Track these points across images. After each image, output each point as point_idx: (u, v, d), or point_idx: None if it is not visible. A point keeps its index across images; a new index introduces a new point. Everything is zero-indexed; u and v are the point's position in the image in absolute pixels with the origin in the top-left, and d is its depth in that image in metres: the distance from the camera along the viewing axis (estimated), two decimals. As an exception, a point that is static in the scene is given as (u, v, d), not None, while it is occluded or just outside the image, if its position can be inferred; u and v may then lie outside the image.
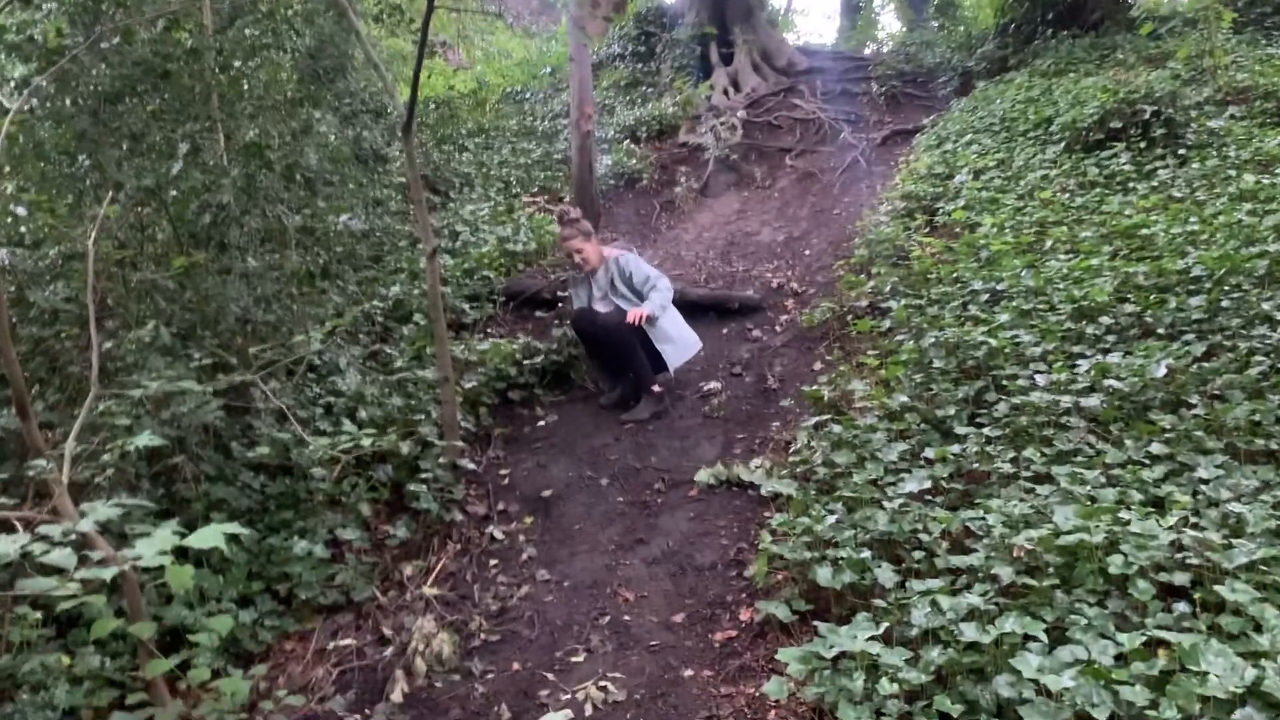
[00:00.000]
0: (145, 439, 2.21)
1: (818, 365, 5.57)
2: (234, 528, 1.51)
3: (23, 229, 4.14)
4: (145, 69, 4.76)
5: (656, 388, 5.45)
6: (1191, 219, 5.57)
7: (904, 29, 18.70)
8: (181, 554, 1.70)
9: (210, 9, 5.15)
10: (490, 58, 17.13)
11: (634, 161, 10.69)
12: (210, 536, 1.45)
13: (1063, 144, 7.68)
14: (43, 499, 3.65)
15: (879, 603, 2.95)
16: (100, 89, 4.49)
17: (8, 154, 4.30)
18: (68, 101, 4.55)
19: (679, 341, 5.52)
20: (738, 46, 13.93)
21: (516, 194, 9.70)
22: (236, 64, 5.25)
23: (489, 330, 6.53)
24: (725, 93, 13.04)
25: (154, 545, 1.41)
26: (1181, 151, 6.97)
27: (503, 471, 4.87)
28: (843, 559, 3.18)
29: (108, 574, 1.41)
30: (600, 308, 5.63)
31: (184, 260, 3.92)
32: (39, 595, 1.47)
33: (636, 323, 5.31)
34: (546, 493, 4.62)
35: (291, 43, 6.10)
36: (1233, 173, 6.32)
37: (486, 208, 8.76)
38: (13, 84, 5.25)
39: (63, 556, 1.43)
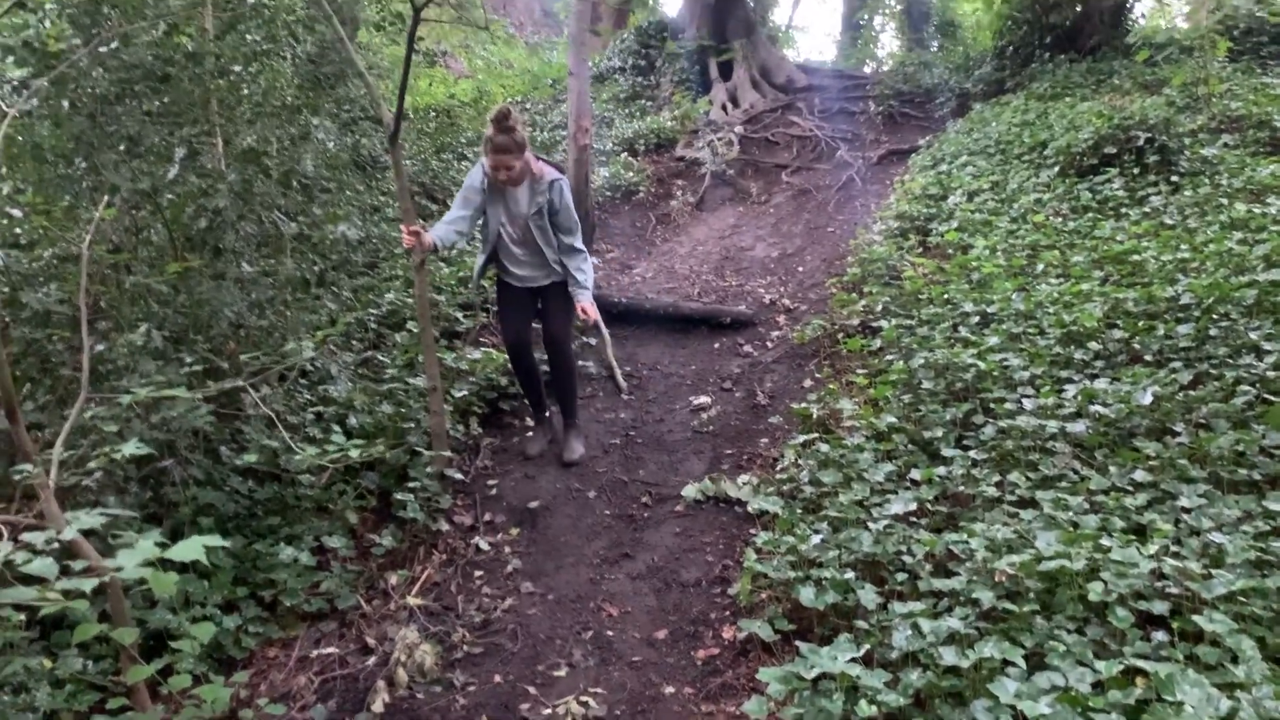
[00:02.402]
0: (132, 447, 2.22)
1: (808, 382, 5.59)
2: (215, 540, 1.52)
3: (18, 230, 4.14)
4: (144, 72, 4.78)
5: (577, 420, 5.20)
6: (1182, 246, 5.60)
7: (903, 49, 18.79)
8: (165, 560, 1.72)
9: (211, 13, 5.18)
10: (492, 67, 17.17)
11: (631, 174, 10.73)
12: (192, 549, 1.46)
13: (1057, 168, 7.73)
14: (31, 501, 3.65)
15: (861, 624, 2.96)
16: (98, 91, 4.50)
17: (5, 155, 4.30)
18: (66, 104, 4.56)
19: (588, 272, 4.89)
20: (737, 62, 14.01)
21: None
22: (236, 69, 5.26)
23: (482, 339, 6.54)
24: (724, 108, 13.12)
25: (136, 556, 1.42)
26: (1174, 178, 7.02)
27: (490, 482, 4.87)
28: (826, 579, 3.19)
29: (88, 586, 1.42)
30: (511, 229, 4.79)
31: (179, 265, 3.93)
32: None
33: (593, 319, 4.84)
34: (533, 504, 4.62)
35: (292, 49, 6.12)
36: (1224, 201, 6.37)
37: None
38: (10, 86, 5.27)
39: (44, 566, 1.45)
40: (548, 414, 5.31)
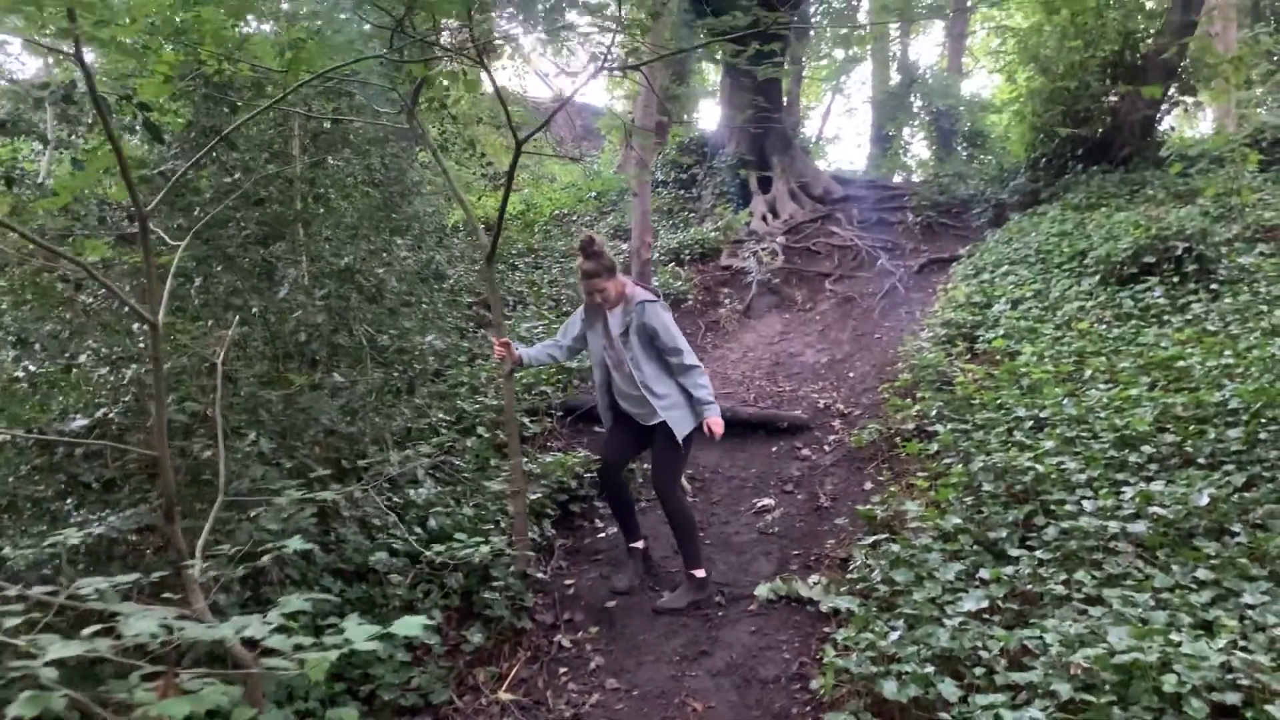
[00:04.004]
0: (296, 543, 2.48)
1: (868, 485, 5.79)
2: (428, 620, 1.76)
3: (141, 344, 4.49)
4: (243, 197, 5.21)
5: (702, 571, 4.82)
6: (1226, 353, 5.81)
7: (933, 159, 19.36)
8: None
9: (299, 140, 5.63)
10: (537, 180, 17.87)
11: (680, 283, 11.13)
12: (412, 625, 1.70)
13: (1097, 276, 7.99)
14: (152, 597, 3.90)
15: (943, 716, 3.12)
16: (212, 217, 4.91)
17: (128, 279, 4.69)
18: (177, 225, 4.97)
19: (685, 408, 4.75)
20: (776, 175, 14.52)
21: (567, 312, 10.12)
22: (320, 191, 5.69)
23: (549, 443, 6.81)
24: (764, 219, 13.58)
25: (361, 633, 1.66)
26: (1214, 286, 7.26)
27: (567, 581, 5.07)
28: (907, 673, 3.36)
29: (333, 655, 1.66)
30: (610, 354, 4.85)
31: (304, 379, 4.25)
32: (268, 672, 1.72)
33: (719, 433, 4.71)
34: (610, 603, 4.81)
35: (371, 174, 6.57)
36: (1264, 308, 6.59)
37: (541, 325, 9.15)
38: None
39: (281, 641, 1.69)
40: (639, 545, 5.11)
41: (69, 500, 4.06)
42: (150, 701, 1.57)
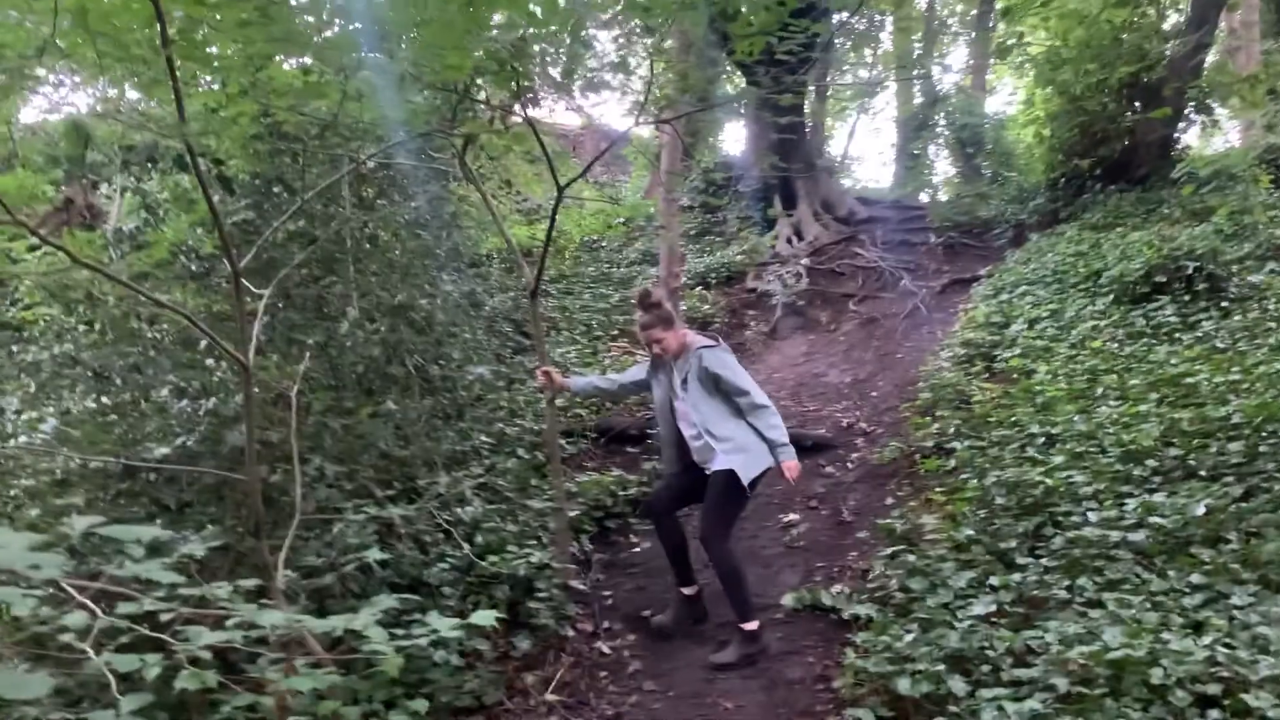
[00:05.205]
0: (375, 554, 2.85)
1: (888, 500, 6.10)
2: (495, 612, 2.11)
3: (215, 378, 4.90)
4: (301, 238, 5.63)
5: (753, 625, 4.58)
6: (1233, 369, 6.07)
7: (958, 178, 19.60)
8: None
9: (347, 182, 6.05)
10: (567, 208, 18.30)
11: (706, 306, 11.50)
12: (486, 617, 2.06)
13: (1111, 296, 8.26)
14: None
15: (953, 709, 3.43)
16: (293, 267, 5.34)
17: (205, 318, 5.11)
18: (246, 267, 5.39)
19: (754, 450, 4.61)
20: (800, 197, 14.84)
21: (599, 337, 10.51)
22: (370, 231, 6.10)
23: (584, 464, 7.17)
24: (789, 241, 13.90)
25: (445, 624, 2.02)
26: (1224, 304, 7.51)
27: (605, 592, 5.43)
28: (920, 672, 3.68)
29: (423, 641, 2.02)
30: (678, 404, 4.80)
31: (367, 408, 4.65)
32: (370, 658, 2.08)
33: (794, 477, 4.74)
34: (646, 612, 5.15)
35: (418, 214, 6.98)
36: (1273, 325, 6.84)
37: (574, 350, 9.54)
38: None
39: (378, 633, 2.05)
40: (689, 591, 5.00)
41: (157, 521, 4.45)
42: (280, 679, 1.94)
